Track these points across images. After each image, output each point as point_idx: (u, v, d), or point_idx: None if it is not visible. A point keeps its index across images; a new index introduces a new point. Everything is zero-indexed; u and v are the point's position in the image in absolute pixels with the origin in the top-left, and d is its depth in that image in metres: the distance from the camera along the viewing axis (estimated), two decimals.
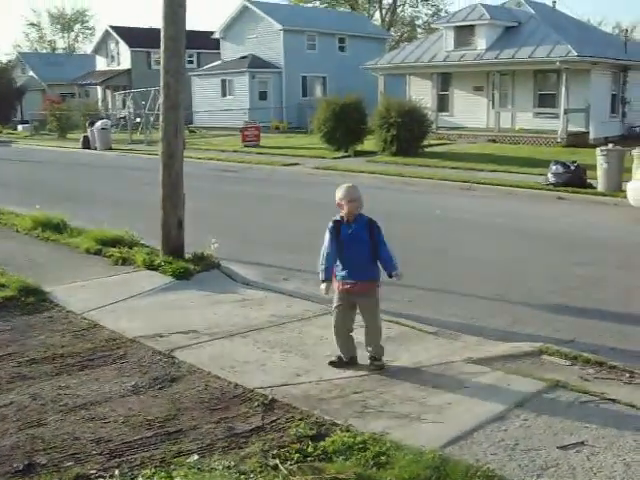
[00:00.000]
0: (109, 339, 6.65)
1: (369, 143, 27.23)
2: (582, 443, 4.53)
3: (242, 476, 4.12)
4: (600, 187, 17.36)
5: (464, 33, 31.21)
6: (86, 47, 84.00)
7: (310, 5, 65.34)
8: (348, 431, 4.66)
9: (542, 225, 13.34)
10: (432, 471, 4.09)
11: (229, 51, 45.84)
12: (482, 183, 18.98)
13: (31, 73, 62.23)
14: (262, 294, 8.31)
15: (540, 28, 30.13)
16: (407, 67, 33.06)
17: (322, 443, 4.49)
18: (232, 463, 4.27)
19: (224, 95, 43.95)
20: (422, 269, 9.84)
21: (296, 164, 24.85)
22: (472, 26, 30.96)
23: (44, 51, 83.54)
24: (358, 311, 5.98)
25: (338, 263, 5.85)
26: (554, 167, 18.26)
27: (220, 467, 4.22)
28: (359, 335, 6.01)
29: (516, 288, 8.89)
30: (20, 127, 50.51)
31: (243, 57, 44.12)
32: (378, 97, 30.88)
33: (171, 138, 9.43)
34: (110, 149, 32.65)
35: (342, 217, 5.85)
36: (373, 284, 5.90)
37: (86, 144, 33.65)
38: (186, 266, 8.99)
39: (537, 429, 4.74)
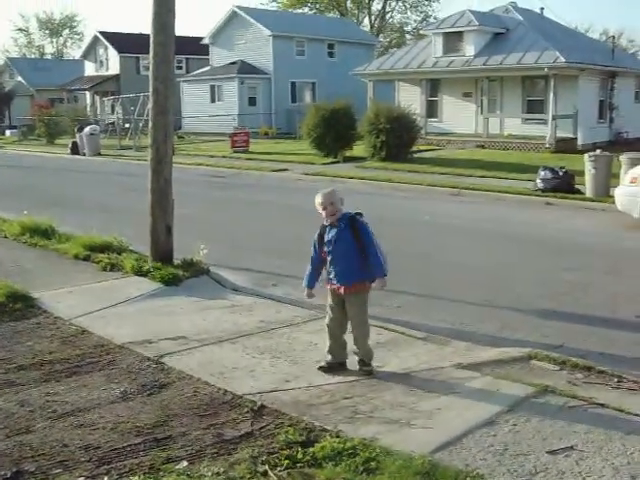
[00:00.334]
0: (97, 345, 6.62)
1: (358, 149, 27.26)
2: (571, 448, 4.55)
3: None
4: (588, 193, 17.43)
5: (453, 39, 31.34)
6: (75, 52, 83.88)
7: (299, 11, 65.46)
8: (338, 437, 4.65)
9: (530, 230, 13.39)
10: (422, 477, 4.10)
11: (218, 57, 45.83)
12: (471, 189, 19.02)
13: (19, 78, 62.07)
14: (251, 300, 8.30)
15: (528, 34, 30.29)
16: (396, 73, 33.16)
17: (312, 449, 4.48)
18: (221, 469, 4.26)
19: (213, 101, 43.92)
20: (411, 275, 9.85)
21: (285, 170, 24.84)
22: (461, 32, 31.09)
23: (32, 56, 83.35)
24: None
25: (327, 265, 5.88)
26: (542, 173, 18.33)
27: (209, 473, 4.21)
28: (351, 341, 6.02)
29: (505, 293, 8.92)
30: (8, 132, 50.33)
31: (232, 63, 44.12)
32: (367, 103, 30.93)
33: (160, 144, 9.42)
34: (99, 155, 32.55)
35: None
36: (359, 286, 5.86)
37: (75, 150, 33.53)
38: (175, 272, 8.96)
39: (526, 434, 4.75)
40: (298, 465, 4.32)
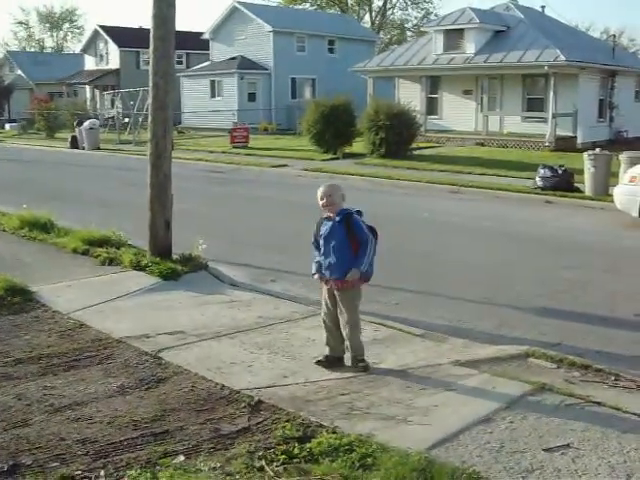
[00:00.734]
0: (95, 339, 6.62)
1: (358, 145, 27.25)
2: (567, 445, 4.55)
3: (228, 477, 4.12)
4: (587, 191, 17.44)
5: (453, 37, 31.33)
6: (75, 46, 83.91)
7: (300, 7, 65.36)
8: (334, 433, 4.66)
9: (529, 228, 13.39)
10: (418, 473, 4.10)
11: (218, 52, 45.77)
12: (470, 186, 19.02)
13: (19, 72, 62.00)
14: (250, 295, 8.30)
15: (529, 33, 30.28)
16: (396, 70, 33.14)
17: (308, 445, 4.48)
18: (218, 464, 4.26)
19: (213, 96, 43.87)
20: (409, 272, 9.87)
21: (284, 166, 24.83)
22: (461, 30, 31.07)
23: (32, 50, 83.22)
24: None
25: (321, 257, 5.92)
26: (542, 171, 18.34)
27: (206, 468, 4.21)
28: None
29: (503, 291, 8.92)
30: (7, 126, 50.25)
31: (232, 58, 44.07)
32: (367, 99, 30.91)
33: (159, 139, 9.41)
34: (98, 149, 32.53)
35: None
36: (350, 282, 5.84)
37: (74, 144, 33.51)
38: (173, 267, 8.96)
39: (523, 431, 4.75)
40: (294, 460, 4.32)
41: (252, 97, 43.21)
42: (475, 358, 6.21)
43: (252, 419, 4.92)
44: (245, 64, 43.30)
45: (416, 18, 73.37)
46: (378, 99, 27.88)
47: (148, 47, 9.50)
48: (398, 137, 25.03)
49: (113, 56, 52.99)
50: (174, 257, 9.37)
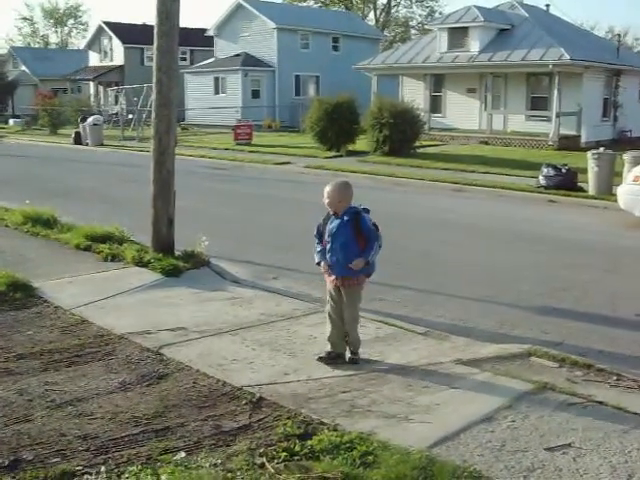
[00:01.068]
0: (97, 335, 6.63)
1: (361, 143, 27.24)
2: (569, 445, 4.55)
3: (229, 474, 4.11)
4: (591, 190, 17.42)
5: (458, 35, 31.28)
6: (79, 42, 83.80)
7: (304, 4, 65.33)
8: (335, 430, 4.66)
9: (533, 228, 13.37)
10: (419, 471, 4.09)
11: (222, 49, 45.75)
12: (473, 185, 19.01)
13: (23, 67, 61.98)
14: (252, 292, 8.30)
15: (533, 31, 30.22)
16: (400, 68, 33.10)
17: (309, 442, 4.48)
18: (219, 461, 4.26)
19: (217, 93, 43.86)
20: (411, 270, 9.86)
21: (288, 163, 24.83)
22: (466, 28, 31.03)
23: (36, 46, 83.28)
24: None
25: (327, 253, 5.94)
26: (545, 170, 18.32)
27: (207, 465, 4.21)
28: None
29: (505, 290, 8.91)
30: (11, 122, 50.30)
31: (236, 55, 44.05)
32: (371, 97, 30.89)
33: (163, 135, 9.41)
34: (102, 145, 32.52)
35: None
36: (355, 279, 5.92)
37: (78, 140, 33.50)
38: (176, 263, 8.97)
39: (524, 430, 4.75)
40: (295, 458, 4.32)
41: (256, 94, 43.20)
42: (477, 357, 6.20)
43: (253, 416, 4.92)
44: (249, 61, 43.29)
45: (420, 16, 73.43)
46: (382, 97, 27.84)
47: (152, 44, 9.49)
48: (402, 135, 25.01)
49: (117, 52, 53.00)
50: (176, 254, 9.38)
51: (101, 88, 54.07)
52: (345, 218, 5.82)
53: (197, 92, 44.84)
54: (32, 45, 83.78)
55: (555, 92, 28.10)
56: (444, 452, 4.43)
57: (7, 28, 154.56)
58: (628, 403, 5.17)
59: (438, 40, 31.98)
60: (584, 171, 17.90)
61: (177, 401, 5.17)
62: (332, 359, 6.00)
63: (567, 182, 17.84)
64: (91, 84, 54.92)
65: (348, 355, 6.04)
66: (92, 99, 51.78)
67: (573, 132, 28.95)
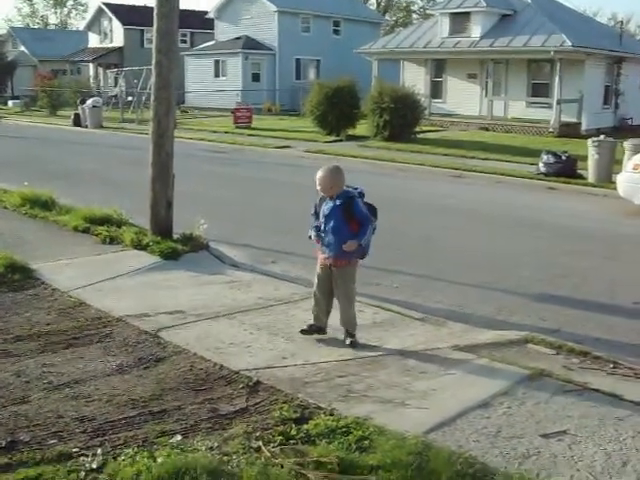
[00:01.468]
0: (95, 318, 6.63)
1: (361, 127, 27.18)
2: (564, 432, 4.56)
3: (225, 457, 4.12)
4: (590, 178, 17.40)
5: (459, 20, 31.14)
6: (79, 23, 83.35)
7: None
8: (332, 415, 4.67)
9: (532, 214, 13.37)
10: (415, 457, 4.10)
11: (223, 31, 45.56)
12: (473, 171, 18.97)
13: (22, 48, 61.68)
14: (250, 276, 8.30)
15: (536, 17, 30.07)
16: (401, 52, 32.97)
17: (305, 426, 4.49)
18: (215, 444, 4.27)
19: (217, 76, 43.73)
20: (409, 255, 9.86)
21: (287, 147, 24.77)
22: (468, 13, 30.88)
23: (36, 26, 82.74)
24: None
25: (321, 234, 6.01)
26: (545, 157, 18.29)
27: (203, 448, 4.22)
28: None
29: (503, 277, 8.91)
30: (10, 103, 50.17)
31: (237, 38, 43.86)
32: (372, 82, 30.78)
33: (162, 117, 9.36)
34: (101, 127, 32.44)
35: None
36: (346, 260, 5.96)
37: (77, 122, 33.41)
38: (174, 246, 8.95)
39: (520, 417, 4.76)
40: (291, 442, 4.33)
41: (256, 77, 43.07)
42: (474, 343, 6.21)
43: (250, 400, 4.93)
44: (250, 44, 43.11)
45: (422, 0, 72.99)
46: (382, 81, 27.74)
47: (152, 25, 9.43)
48: (402, 120, 24.95)
49: (117, 34, 52.75)
50: (175, 237, 9.36)
51: (100, 70, 53.90)
52: (337, 202, 5.86)
53: (197, 75, 44.69)
54: (31, 26, 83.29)
55: (556, 79, 28.01)
56: (440, 438, 4.44)
57: (6, 9, 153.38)
58: (624, 391, 5.18)
59: (440, 25, 31.83)
60: (584, 158, 17.88)
61: (174, 384, 5.18)
62: (313, 331, 6.15)
63: (567, 169, 17.81)
64: (90, 65, 54.68)
65: (348, 340, 6.04)
66: (91, 81, 51.56)
67: (574, 119, 28.88)
